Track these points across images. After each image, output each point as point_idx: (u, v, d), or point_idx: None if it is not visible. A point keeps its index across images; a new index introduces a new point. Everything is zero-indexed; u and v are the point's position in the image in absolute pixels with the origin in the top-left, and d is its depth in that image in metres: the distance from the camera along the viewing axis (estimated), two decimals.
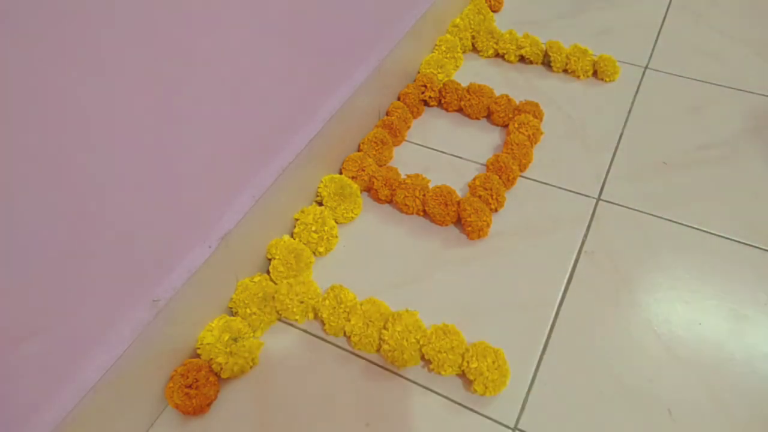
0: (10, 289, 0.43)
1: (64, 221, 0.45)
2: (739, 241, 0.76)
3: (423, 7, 0.99)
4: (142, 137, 0.50)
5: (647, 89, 1.00)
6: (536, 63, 1.05)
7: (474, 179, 0.82)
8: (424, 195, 0.80)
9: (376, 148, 0.86)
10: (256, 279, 0.70)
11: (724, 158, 0.87)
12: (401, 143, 0.92)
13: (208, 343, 0.63)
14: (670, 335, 0.67)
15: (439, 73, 1.01)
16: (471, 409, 0.62)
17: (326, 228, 0.76)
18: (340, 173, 0.85)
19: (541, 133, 0.91)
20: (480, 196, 0.79)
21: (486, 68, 1.06)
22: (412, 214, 0.81)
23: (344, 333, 0.68)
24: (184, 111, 0.54)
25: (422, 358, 0.65)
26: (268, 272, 0.73)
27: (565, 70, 1.03)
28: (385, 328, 0.65)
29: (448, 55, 1.05)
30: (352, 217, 0.81)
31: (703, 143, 0.90)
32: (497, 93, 0.95)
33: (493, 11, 1.19)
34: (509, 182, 0.83)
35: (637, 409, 0.62)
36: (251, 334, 0.67)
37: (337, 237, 0.78)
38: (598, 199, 0.83)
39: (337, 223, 0.80)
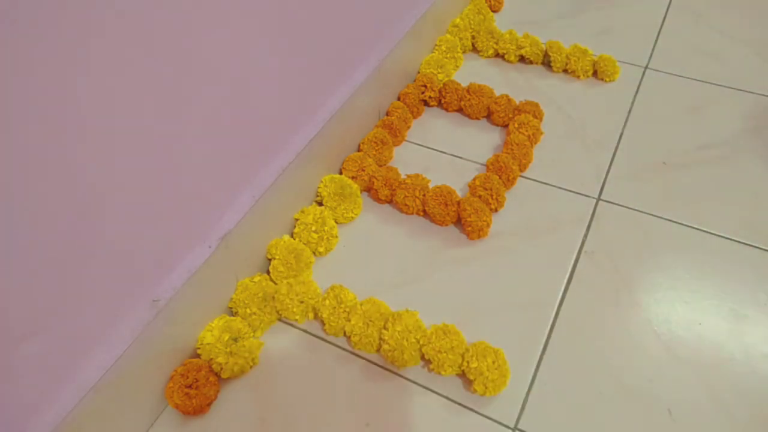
0: (10, 289, 0.43)
1: (65, 221, 0.45)
2: (739, 241, 0.76)
3: (423, 7, 0.99)
4: (142, 137, 0.50)
5: (647, 89, 1.00)
6: (536, 63, 1.05)
7: (474, 179, 0.82)
8: (424, 195, 0.80)
9: (376, 148, 0.86)
10: (256, 279, 0.70)
11: (724, 158, 0.87)
12: (401, 143, 0.92)
13: (208, 343, 0.63)
14: (670, 335, 0.67)
15: (439, 73, 1.01)
16: (471, 409, 0.62)
17: (326, 228, 0.76)
18: (340, 173, 0.85)
19: (541, 133, 0.91)
20: (480, 196, 0.79)
21: (486, 68, 1.06)
22: (412, 214, 0.81)
23: (344, 333, 0.68)
24: (184, 111, 0.54)
25: (422, 358, 0.65)
26: (268, 272, 0.73)
27: (565, 70, 1.03)
28: (385, 328, 0.65)
29: (448, 55, 1.05)
30: (352, 217, 0.81)
31: (703, 143, 0.90)
32: (497, 93, 0.95)
33: (493, 11, 1.19)
34: (509, 182, 0.83)
35: (637, 409, 0.62)
36: (251, 334, 0.67)
37: (337, 237, 0.78)
38: (598, 199, 0.83)
39: (337, 223, 0.80)
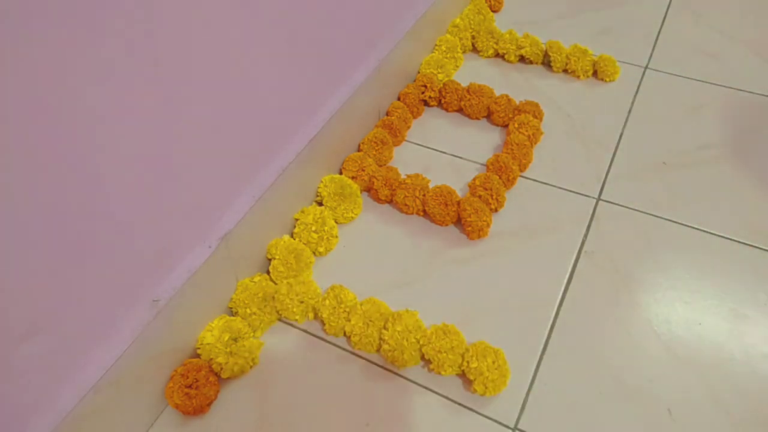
0: (10, 289, 0.43)
1: (65, 221, 0.45)
2: (739, 241, 0.76)
3: (423, 7, 0.99)
4: (142, 137, 0.50)
5: (647, 89, 1.00)
6: (536, 63, 1.05)
7: (474, 179, 0.82)
8: (424, 195, 0.80)
9: (376, 148, 0.86)
10: (256, 279, 0.70)
11: (724, 158, 0.87)
12: (401, 143, 0.92)
13: (208, 343, 0.63)
14: (670, 335, 0.68)
15: (439, 73, 1.01)
16: (471, 409, 0.62)
17: (326, 228, 0.76)
18: (340, 173, 0.85)
19: (541, 133, 0.91)
20: (480, 196, 0.79)
21: (486, 68, 1.06)
22: (412, 214, 0.81)
23: (344, 333, 0.68)
24: (184, 111, 0.54)
25: (422, 358, 0.65)
26: (268, 272, 0.73)
27: (565, 70, 1.03)
28: (385, 328, 0.65)
29: (448, 55, 1.05)
30: (352, 217, 0.81)
31: (703, 143, 0.90)
32: (497, 93, 0.95)
33: (493, 11, 1.19)
34: (509, 182, 0.83)
35: (637, 409, 0.62)
36: (251, 334, 0.67)
37: (337, 237, 0.78)
38: (598, 199, 0.83)
39: (337, 223, 0.80)
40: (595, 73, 1.02)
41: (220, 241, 0.63)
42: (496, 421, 0.61)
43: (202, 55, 0.54)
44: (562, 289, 0.72)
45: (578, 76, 1.02)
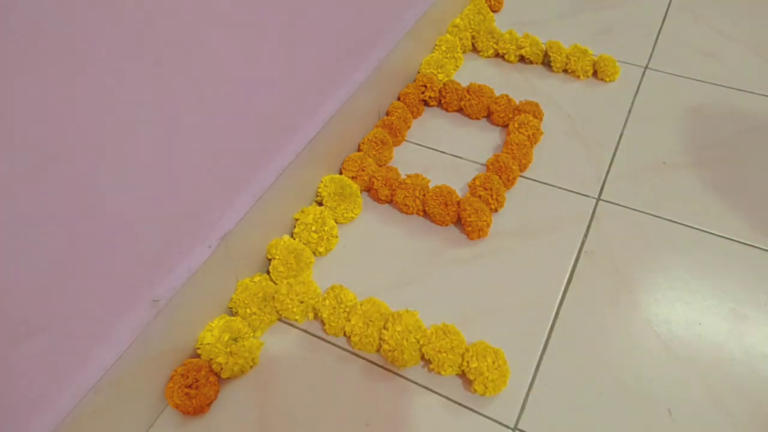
0: (11, 289, 0.43)
1: (65, 221, 0.45)
2: (739, 241, 0.76)
3: (423, 7, 0.99)
4: (142, 137, 0.50)
5: (647, 89, 1.00)
6: (536, 63, 1.05)
7: (474, 179, 0.82)
8: (424, 195, 0.80)
9: (376, 148, 0.86)
10: (256, 279, 0.70)
11: (724, 158, 0.87)
12: (401, 143, 0.92)
13: (208, 343, 0.63)
14: (670, 335, 0.67)
15: (439, 73, 1.01)
16: (471, 409, 0.62)
17: (326, 228, 0.76)
18: (340, 173, 0.85)
19: (541, 133, 0.91)
20: (480, 196, 0.79)
21: (486, 68, 1.06)
22: (412, 214, 0.81)
23: (344, 333, 0.68)
24: (184, 111, 0.54)
25: (422, 358, 0.65)
26: (268, 272, 0.73)
27: (565, 70, 1.03)
28: (385, 328, 0.65)
29: (448, 55, 1.05)
30: (352, 217, 0.81)
31: (703, 143, 0.90)
32: (497, 93, 0.95)
33: (493, 11, 1.19)
34: (509, 182, 0.83)
35: (637, 409, 0.62)
36: (251, 334, 0.67)
37: (337, 237, 0.78)
38: (598, 199, 0.83)
39: (337, 223, 0.80)
40: (595, 73, 1.02)
41: (220, 241, 0.63)
42: (496, 421, 0.61)
43: (203, 55, 0.54)
44: (562, 289, 0.72)
45: (578, 76, 1.02)
